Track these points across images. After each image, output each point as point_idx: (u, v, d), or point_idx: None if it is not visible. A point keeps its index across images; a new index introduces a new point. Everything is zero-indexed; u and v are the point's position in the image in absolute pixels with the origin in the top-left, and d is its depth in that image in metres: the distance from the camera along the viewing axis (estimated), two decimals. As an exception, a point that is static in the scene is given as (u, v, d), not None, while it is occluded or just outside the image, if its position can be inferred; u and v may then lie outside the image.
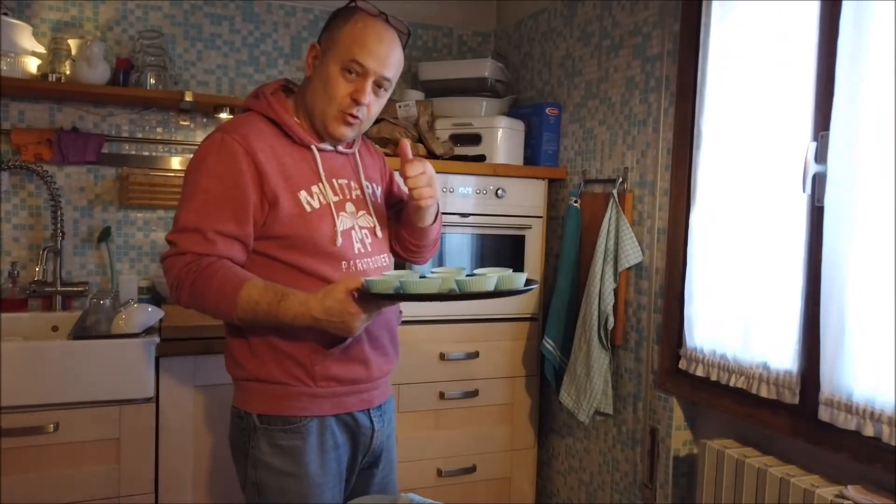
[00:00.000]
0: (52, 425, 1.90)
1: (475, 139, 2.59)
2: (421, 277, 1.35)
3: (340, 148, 1.51)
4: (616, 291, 2.24)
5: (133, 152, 2.54)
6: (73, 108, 2.45)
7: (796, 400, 1.66)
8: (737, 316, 1.82)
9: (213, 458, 2.12)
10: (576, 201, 2.44)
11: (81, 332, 2.05)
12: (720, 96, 1.87)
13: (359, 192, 1.52)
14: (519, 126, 2.64)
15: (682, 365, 1.99)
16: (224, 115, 2.47)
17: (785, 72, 1.70)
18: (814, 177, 1.63)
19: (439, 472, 2.49)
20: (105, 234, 2.48)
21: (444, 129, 2.63)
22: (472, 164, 2.51)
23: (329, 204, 1.43)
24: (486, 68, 2.73)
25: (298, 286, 1.34)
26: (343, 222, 1.44)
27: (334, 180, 1.47)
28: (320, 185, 1.43)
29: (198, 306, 1.35)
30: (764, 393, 1.72)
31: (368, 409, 1.50)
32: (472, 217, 2.50)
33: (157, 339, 2.00)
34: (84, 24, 2.48)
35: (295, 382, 1.40)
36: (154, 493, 2.04)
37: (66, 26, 2.46)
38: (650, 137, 2.17)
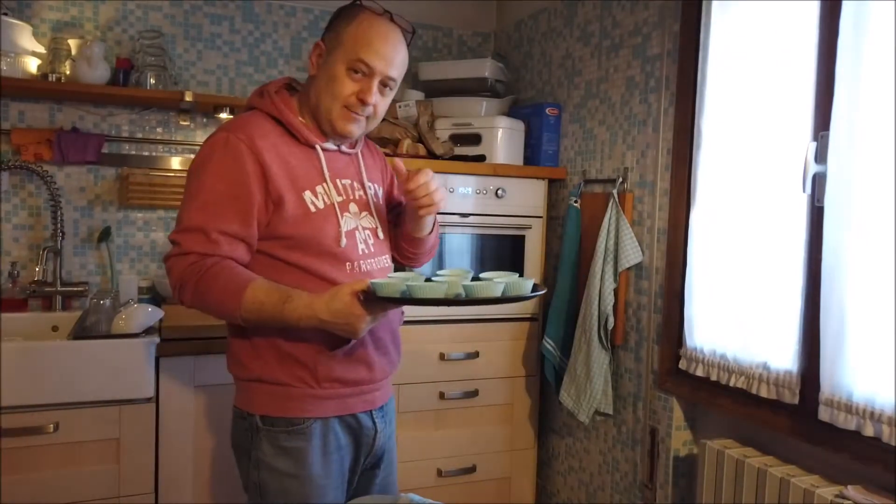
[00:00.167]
0: (52, 425, 1.90)
1: (475, 139, 2.59)
2: (427, 280, 1.35)
3: (344, 148, 1.50)
4: (616, 291, 2.24)
5: (133, 152, 2.54)
6: (73, 108, 2.45)
7: (796, 400, 1.66)
8: (737, 316, 1.82)
9: (213, 458, 2.12)
10: (576, 201, 2.44)
11: (81, 332, 2.05)
12: (720, 96, 1.87)
13: (361, 192, 1.51)
14: (519, 126, 2.64)
15: (682, 365, 1.99)
16: (224, 115, 2.47)
17: (785, 72, 1.70)
18: (814, 177, 1.63)
19: (439, 472, 2.49)
20: (105, 234, 2.48)
21: (444, 129, 2.63)
22: (472, 164, 2.51)
23: (333, 204, 1.42)
24: (486, 68, 2.72)
25: (302, 287, 1.34)
26: (347, 223, 1.43)
27: (338, 180, 1.46)
28: (324, 185, 1.43)
29: (201, 306, 1.34)
30: (764, 393, 1.72)
31: (371, 411, 1.49)
32: (471, 217, 2.50)
33: (157, 339, 2.00)
34: (84, 24, 2.48)
35: (299, 384, 1.39)
36: (154, 493, 2.04)
37: (66, 26, 2.46)
38: (650, 137, 2.17)
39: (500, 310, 2.52)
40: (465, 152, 2.58)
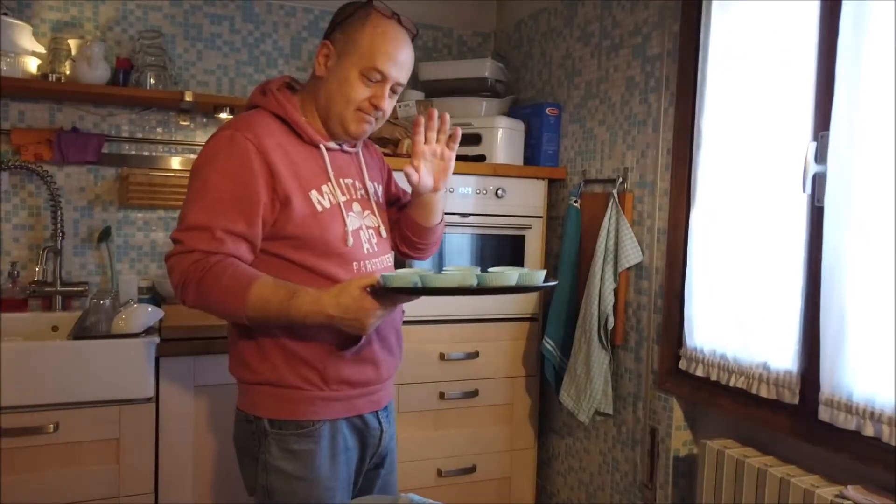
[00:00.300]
0: (52, 425, 1.90)
1: (475, 139, 2.58)
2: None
3: (345, 147, 1.50)
4: (616, 291, 2.24)
5: (133, 152, 2.54)
6: (73, 108, 2.45)
7: (796, 400, 1.66)
8: (737, 316, 1.82)
9: (214, 458, 2.12)
10: (576, 201, 2.44)
11: (81, 332, 2.05)
12: (720, 96, 1.87)
13: (363, 191, 1.51)
14: (519, 126, 2.64)
15: (682, 365, 1.99)
16: (224, 115, 2.47)
17: (785, 72, 1.70)
18: (814, 177, 1.63)
19: (439, 472, 2.49)
20: (105, 234, 2.48)
21: (444, 129, 2.63)
22: (472, 164, 2.51)
23: (339, 204, 1.42)
24: (486, 68, 2.73)
25: (309, 287, 1.32)
26: (352, 222, 1.43)
27: (341, 180, 1.46)
28: (329, 184, 1.42)
29: (204, 305, 1.32)
30: (764, 393, 1.72)
31: (377, 411, 1.49)
32: (472, 217, 2.50)
33: (157, 339, 2.00)
34: (84, 24, 2.48)
35: (307, 386, 1.38)
36: (154, 493, 2.04)
37: (66, 26, 2.46)
38: (650, 137, 2.17)
39: (500, 310, 2.53)
40: (465, 152, 2.58)
